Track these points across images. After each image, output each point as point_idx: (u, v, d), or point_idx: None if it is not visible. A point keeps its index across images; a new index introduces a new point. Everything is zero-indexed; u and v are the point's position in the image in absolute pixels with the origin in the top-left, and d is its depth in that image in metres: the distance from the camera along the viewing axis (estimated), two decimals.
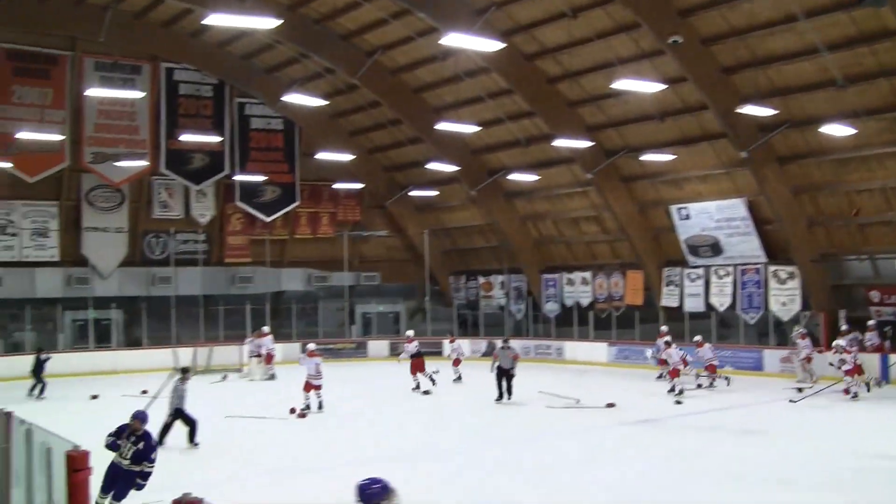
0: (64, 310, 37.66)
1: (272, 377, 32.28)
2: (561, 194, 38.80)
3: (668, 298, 35.83)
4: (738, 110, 27.34)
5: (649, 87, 27.15)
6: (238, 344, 36.05)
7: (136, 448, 11.99)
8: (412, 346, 29.42)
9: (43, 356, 29.10)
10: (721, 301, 33.82)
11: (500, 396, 25.50)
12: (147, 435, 12.18)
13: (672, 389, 26.23)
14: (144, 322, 38.43)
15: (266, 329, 34.69)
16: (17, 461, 9.04)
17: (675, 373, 26.70)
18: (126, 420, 12.48)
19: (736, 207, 32.22)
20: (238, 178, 40.27)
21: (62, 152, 36.57)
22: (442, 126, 33.49)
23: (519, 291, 42.80)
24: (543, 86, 33.60)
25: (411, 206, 44.54)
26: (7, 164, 35.02)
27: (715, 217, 33.00)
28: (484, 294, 44.07)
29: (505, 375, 25.66)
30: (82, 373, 32.78)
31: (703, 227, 33.53)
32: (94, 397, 27.52)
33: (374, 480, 7.83)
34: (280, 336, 37.93)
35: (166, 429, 19.20)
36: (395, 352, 40.45)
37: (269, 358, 33.13)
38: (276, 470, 16.31)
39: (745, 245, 32.46)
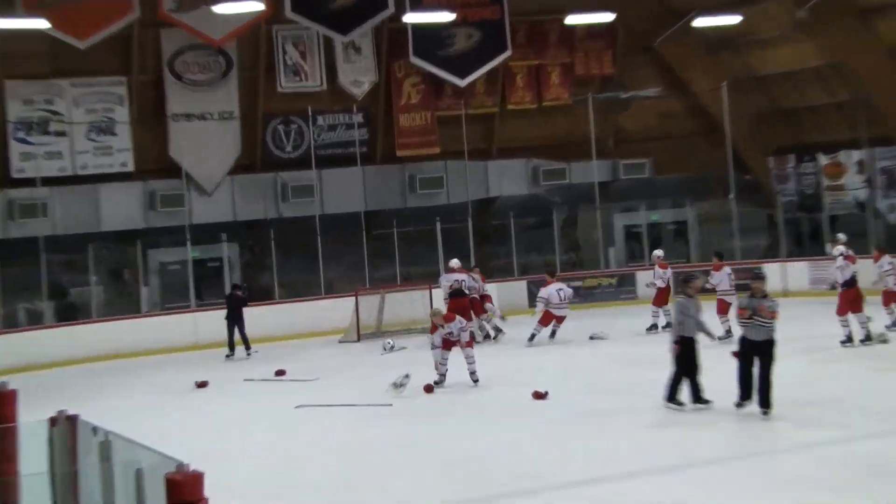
0: (146, 248, 29.90)
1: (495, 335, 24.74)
2: None
3: None
4: None
5: None
6: (423, 287, 27.73)
7: None
8: (451, 280, 24.13)
9: (239, 291, 25.84)
10: None
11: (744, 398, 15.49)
12: None
13: None
14: (274, 260, 29.82)
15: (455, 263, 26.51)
16: (91, 489, 7.90)
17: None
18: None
19: None
20: (410, 18, 29.97)
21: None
22: None
23: (891, 176, 31.76)
24: None
25: (697, 44, 33.81)
26: (43, 23, 26.59)
27: None
28: (829, 184, 33.30)
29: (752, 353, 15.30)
30: (182, 346, 26.99)
31: None
32: (202, 385, 22.35)
33: None
34: (494, 271, 30.10)
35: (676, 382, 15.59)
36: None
37: (478, 305, 24.99)
38: None
39: None
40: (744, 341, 15.05)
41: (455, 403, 17.69)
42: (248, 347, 24.86)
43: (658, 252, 24.84)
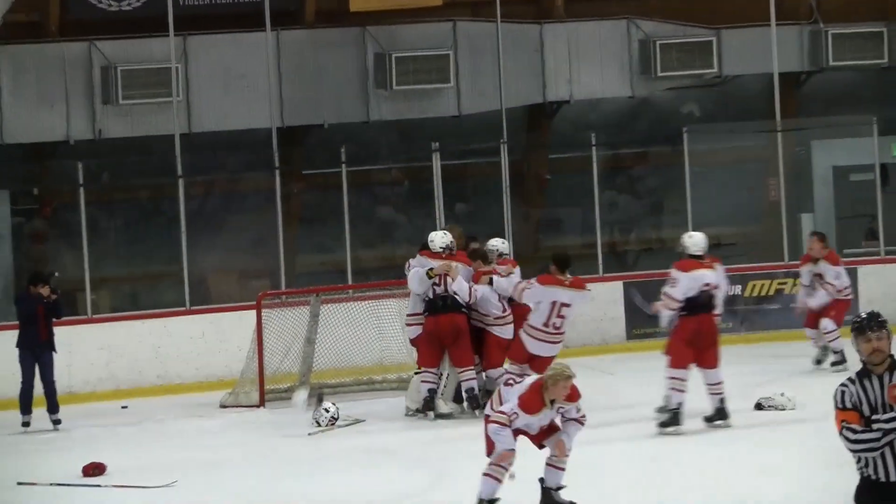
0: None
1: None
2: None
3: None
4: None
5: None
6: (401, 294, 16.66)
7: None
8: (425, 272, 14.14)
9: (43, 289, 16.68)
10: None
11: None
12: None
13: None
14: (85, 230, 18.33)
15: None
16: None
17: None
18: None
19: None
20: None
21: None
22: None
23: None
24: None
25: None
26: None
27: None
28: None
29: None
30: None
31: None
32: None
33: None
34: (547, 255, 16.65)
35: None
36: None
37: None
38: None
39: None
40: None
41: None
42: (53, 408, 16.63)
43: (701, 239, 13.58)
